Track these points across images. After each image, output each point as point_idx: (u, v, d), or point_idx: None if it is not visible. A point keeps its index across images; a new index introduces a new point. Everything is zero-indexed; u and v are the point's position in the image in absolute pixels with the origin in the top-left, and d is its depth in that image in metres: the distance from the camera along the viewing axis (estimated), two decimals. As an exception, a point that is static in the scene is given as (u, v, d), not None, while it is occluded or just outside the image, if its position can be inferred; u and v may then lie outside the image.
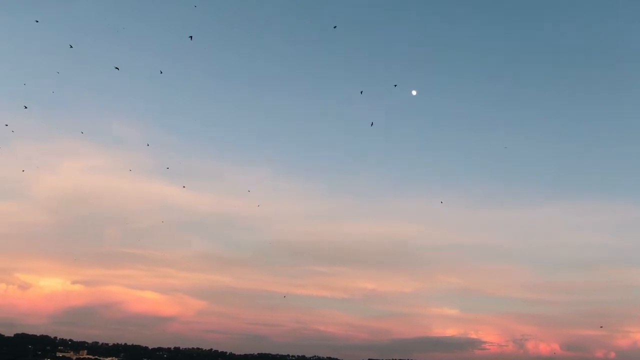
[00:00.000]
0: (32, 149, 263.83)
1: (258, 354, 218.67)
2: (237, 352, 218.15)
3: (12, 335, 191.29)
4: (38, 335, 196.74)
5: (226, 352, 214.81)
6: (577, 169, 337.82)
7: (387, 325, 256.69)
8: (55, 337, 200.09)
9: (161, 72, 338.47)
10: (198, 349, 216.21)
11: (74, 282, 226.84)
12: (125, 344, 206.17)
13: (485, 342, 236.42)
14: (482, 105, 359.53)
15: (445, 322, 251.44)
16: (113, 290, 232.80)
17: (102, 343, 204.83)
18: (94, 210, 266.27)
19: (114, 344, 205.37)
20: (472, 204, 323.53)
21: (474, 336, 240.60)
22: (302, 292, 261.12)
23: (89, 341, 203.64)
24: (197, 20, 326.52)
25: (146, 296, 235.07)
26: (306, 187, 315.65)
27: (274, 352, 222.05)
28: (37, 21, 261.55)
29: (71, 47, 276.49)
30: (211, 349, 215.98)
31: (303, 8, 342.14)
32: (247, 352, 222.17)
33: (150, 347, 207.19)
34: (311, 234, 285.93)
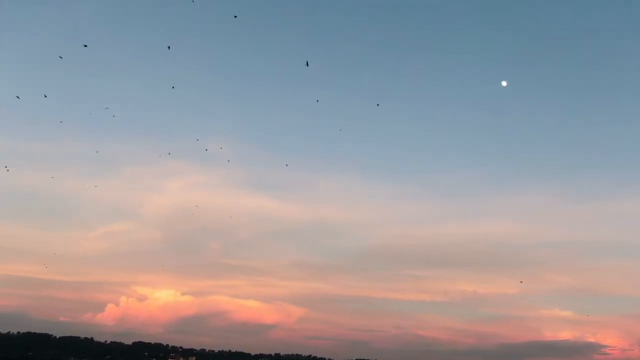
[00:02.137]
0: (138, 173, 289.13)
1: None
2: (337, 358, 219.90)
3: (131, 343, 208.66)
4: (152, 343, 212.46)
5: (325, 358, 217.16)
6: None
7: (493, 328, 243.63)
8: (167, 345, 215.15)
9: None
10: (297, 355, 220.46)
11: (183, 294, 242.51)
12: (230, 350, 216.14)
13: (605, 346, 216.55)
14: (581, 94, 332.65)
15: (557, 325, 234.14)
16: (219, 300, 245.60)
17: (209, 350, 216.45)
18: (197, 225, 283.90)
19: (219, 351, 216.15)
20: (580, 196, 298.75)
21: (591, 340, 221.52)
22: (400, 296, 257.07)
23: (197, 348, 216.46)
24: (281, 36, 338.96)
25: (249, 305, 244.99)
26: (397, 190, 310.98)
27: (374, 358, 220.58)
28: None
29: (173, 87, 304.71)
30: (310, 355, 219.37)
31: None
32: (348, 358, 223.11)
33: (252, 354, 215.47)
34: (406, 237, 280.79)
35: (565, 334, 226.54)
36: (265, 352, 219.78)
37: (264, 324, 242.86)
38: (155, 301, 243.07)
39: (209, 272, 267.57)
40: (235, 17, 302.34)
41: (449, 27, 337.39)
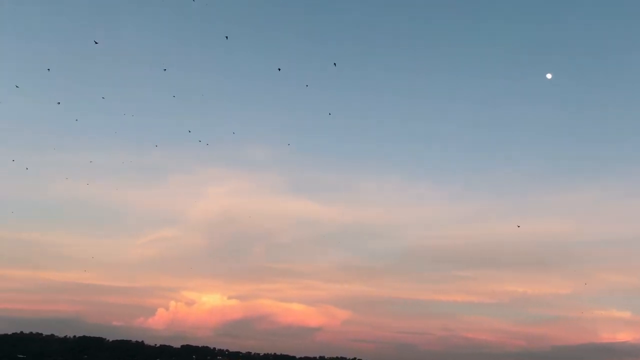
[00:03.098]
0: (183, 180, 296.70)
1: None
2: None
3: (179, 346, 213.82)
4: (200, 346, 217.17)
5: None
6: None
7: (544, 330, 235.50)
8: (214, 348, 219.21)
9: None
10: (342, 357, 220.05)
11: (230, 297, 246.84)
12: (275, 353, 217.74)
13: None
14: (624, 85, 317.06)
15: (615, 326, 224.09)
16: (264, 303, 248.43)
17: (254, 353, 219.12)
18: (239, 230, 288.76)
19: (265, 354, 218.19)
20: (630, 190, 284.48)
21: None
22: (446, 298, 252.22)
23: (243, 351, 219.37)
24: (316, 40, 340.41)
25: (293, 308, 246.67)
26: (440, 189, 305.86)
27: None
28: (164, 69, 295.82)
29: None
30: (355, 358, 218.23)
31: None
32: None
33: (297, 357, 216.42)
34: (450, 238, 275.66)
35: (624, 335, 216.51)
36: (310, 354, 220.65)
37: (309, 326, 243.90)
38: (202, 305, 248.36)
39: (254, 276, 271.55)
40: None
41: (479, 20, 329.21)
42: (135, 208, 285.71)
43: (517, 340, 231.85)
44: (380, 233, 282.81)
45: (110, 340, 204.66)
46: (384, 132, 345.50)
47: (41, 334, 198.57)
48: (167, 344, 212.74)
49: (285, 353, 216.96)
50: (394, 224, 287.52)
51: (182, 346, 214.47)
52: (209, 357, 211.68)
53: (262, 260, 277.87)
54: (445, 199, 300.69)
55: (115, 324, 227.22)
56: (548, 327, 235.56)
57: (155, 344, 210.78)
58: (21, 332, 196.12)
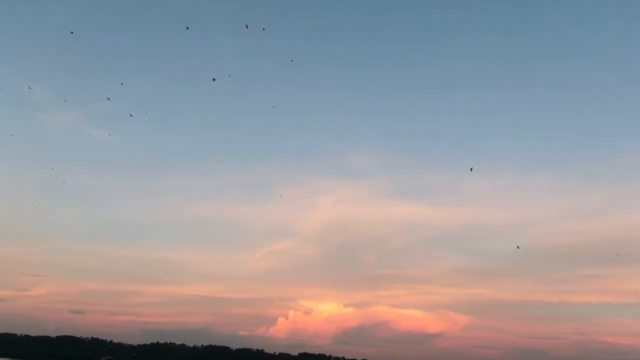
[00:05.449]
0: (292, 194, 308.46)
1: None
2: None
3: (297, 354, 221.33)
4: (317, 354, 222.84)
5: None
6: None
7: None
8: (331, 356, 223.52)
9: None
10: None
11: (346, 305, 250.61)
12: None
13: None
14: None
15: None
16: (380, 310, 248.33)
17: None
18: (350, 238, 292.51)
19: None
20: None
21: None
22: (577, 299, 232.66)
23: (360, 358, 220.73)
24: (414, 43, 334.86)
25: (410, 314, 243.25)
26: (559, 181, 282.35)
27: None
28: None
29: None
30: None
31: None
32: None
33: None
34: (573, 234, 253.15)
35: None
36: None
37: (428, 333, 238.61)
38: (320, 314, 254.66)
39: (368, 284, 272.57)
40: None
41: None
42: (252, 223, 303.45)
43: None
44: (495, 232, 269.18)
45: (234, 348, 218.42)
46: (490, 127, 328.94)
47: (174, 343, 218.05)
48: (285, 352, 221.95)
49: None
50: (509, 222, 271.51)
51: (300, 354, 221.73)
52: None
53: (375, 267, 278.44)
54: (567, 190, 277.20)
55: (241, 333, 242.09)
56: None
57: (275, 352, 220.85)
58: (157, 342, 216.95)
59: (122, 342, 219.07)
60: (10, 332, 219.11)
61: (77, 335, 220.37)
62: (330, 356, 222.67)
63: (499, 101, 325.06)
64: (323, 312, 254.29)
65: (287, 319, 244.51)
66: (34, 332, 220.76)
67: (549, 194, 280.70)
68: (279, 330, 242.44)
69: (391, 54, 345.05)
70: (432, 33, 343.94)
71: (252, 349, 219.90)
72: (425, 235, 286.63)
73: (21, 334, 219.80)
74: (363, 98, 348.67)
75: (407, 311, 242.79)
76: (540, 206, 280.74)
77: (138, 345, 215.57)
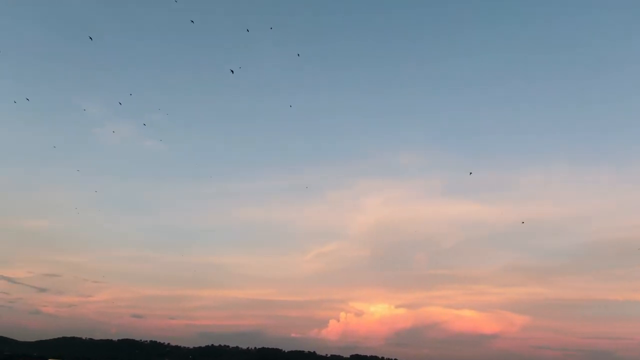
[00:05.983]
0: (340, 195, 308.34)
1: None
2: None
3: (349, 356, 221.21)
4: (368, 355, 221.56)
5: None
6: None
7: None
8: (383, 357, 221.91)
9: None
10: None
11: (397, 306, 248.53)
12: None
13: None
14: None
15: None
16: (432, 311, 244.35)
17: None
18: (399, 239, 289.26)
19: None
20: None
21: None
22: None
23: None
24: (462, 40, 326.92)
25: (465, 315, 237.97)
26: (621, 174, 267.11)
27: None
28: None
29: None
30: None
31: None
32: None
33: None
34: None
35: None
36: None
37: (484, 334, 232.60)
38: (371, 315, 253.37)
39: (419, 284, 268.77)
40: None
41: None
42: (300, 226, 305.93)
43: None
44: (551, 228, 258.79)
45: (286, 350, 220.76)
46: (542, 119, 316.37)
47: (228, 346, 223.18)
48: (337, 354, 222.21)
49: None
50: (567, 218, 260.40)
51: (352, 356, 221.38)
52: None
53: (426, 267, 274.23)
54: (630, 183, 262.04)
55: (293, 335, 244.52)
56: None
57: (326, 354, 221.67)
58: (212, 345, 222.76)
59: (179, 345, 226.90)
60: (76, 336, 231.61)
61: (137, 338, 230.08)
62: (382, 358, 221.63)
63: (550, 92, 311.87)
64: (374, 313, 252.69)
65: (338, 320, 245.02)
66: (97, 336, 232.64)
67: (608, 186, 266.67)
68: (331, 332, 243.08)
69: (434, 52, 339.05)
70: (477, 27, 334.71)
71: (304, 351, 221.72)
72: (477, 234, 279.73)
73: (86, 338, 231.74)
74: (406, 97, 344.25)
75: (460, 312, 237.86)
76: (599, 199, 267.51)
77: (194, 347, 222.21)
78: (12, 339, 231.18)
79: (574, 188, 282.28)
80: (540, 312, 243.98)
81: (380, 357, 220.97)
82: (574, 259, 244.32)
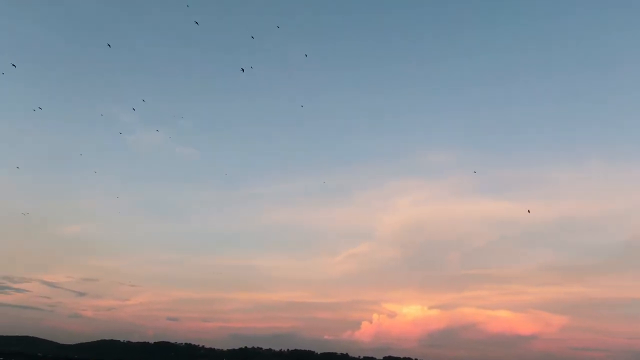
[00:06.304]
0: (369, 196, 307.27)
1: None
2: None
3: (381, 358, 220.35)
4: (402, 357, 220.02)
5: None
6: None
7: None
8: (416, 359, 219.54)
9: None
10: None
11: (430, 307, 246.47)
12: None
13: None
14: None
15: None
16: (466, 311, 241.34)
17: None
18: (430, 239, 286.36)
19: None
20: None
21: None
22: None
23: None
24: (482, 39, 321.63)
25: (500, 315, 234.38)
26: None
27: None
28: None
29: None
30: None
31: None
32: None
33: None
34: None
35: None
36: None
37: (521, 335, 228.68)
38: (404, 317, 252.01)
39: (451, 284, 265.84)
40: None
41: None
42: (330, 227, 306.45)
43: None
44: (588, 226, 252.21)
45: (319, 352, 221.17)
46: (575, 114, 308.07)
47: (261, 348, 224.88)
48: (370, 355, 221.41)
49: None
50: (605, 215, 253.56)
51: (385, 357, 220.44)
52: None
53: (459, 267, 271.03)
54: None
55: (326, 337, 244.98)
56: None
57: (359, 356, 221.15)
58: (245, 347, 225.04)
59: (213, 347, 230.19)
60: (115, 338, 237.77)
61: (173, 341, 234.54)
62: (416, 359, 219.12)
63: (584, 86, 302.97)
64: (407, 314, 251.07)
65: (371, 322, 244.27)
66: (134, 338, 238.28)
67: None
68: (364, 334, 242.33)
69: (463, 49, 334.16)
70: (507, 25, 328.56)
71: (336, 352, 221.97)
72: (511, 232, 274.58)
73: (124, 340, 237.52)
74: (435, 96, 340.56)
75: (496, 312, 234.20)
76: (638, 195, 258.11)
77: (227, 350, 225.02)
78: (53, 342, 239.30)
79: (610, 184, 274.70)
80: (579, 312, 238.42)
81: (414, 358, 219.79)
82: (613, 256, 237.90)
